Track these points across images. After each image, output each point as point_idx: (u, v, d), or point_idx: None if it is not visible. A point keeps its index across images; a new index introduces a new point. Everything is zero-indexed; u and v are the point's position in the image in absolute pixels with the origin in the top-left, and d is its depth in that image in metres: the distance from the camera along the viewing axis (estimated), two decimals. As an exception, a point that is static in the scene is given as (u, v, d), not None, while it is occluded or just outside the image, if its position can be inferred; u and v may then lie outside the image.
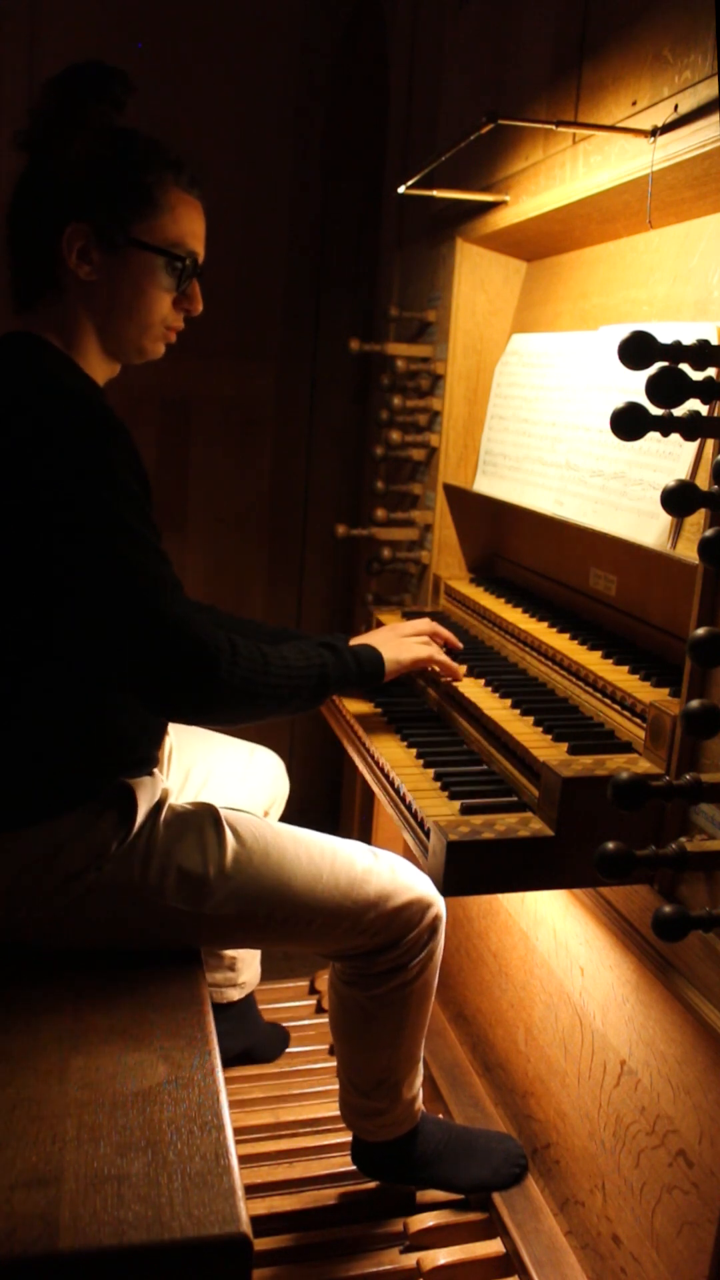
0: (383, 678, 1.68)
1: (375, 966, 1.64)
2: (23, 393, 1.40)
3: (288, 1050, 2.31)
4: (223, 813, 1.59)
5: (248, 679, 1.45)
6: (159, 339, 1.61)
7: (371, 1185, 1.91)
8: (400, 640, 1.72)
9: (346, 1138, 2.02)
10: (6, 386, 1.42)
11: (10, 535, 1.41)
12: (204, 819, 1.57)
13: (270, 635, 1.86)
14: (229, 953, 2.07)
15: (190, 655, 1.40)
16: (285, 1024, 2.37)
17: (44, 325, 1.53)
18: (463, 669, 1.73)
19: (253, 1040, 2.24)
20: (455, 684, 1.69)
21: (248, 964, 2.14)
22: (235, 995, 2.13)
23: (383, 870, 1.64)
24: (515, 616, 1.88)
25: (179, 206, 1.55)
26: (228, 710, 1.48)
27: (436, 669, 1.72)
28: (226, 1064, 2.21)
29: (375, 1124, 1.79)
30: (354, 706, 1.79)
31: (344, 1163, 1.93)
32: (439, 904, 1.68)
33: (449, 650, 1.79)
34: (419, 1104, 1.82)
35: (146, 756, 1.60)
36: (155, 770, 1.62)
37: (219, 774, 1.97)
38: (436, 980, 1.72)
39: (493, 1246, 1.79)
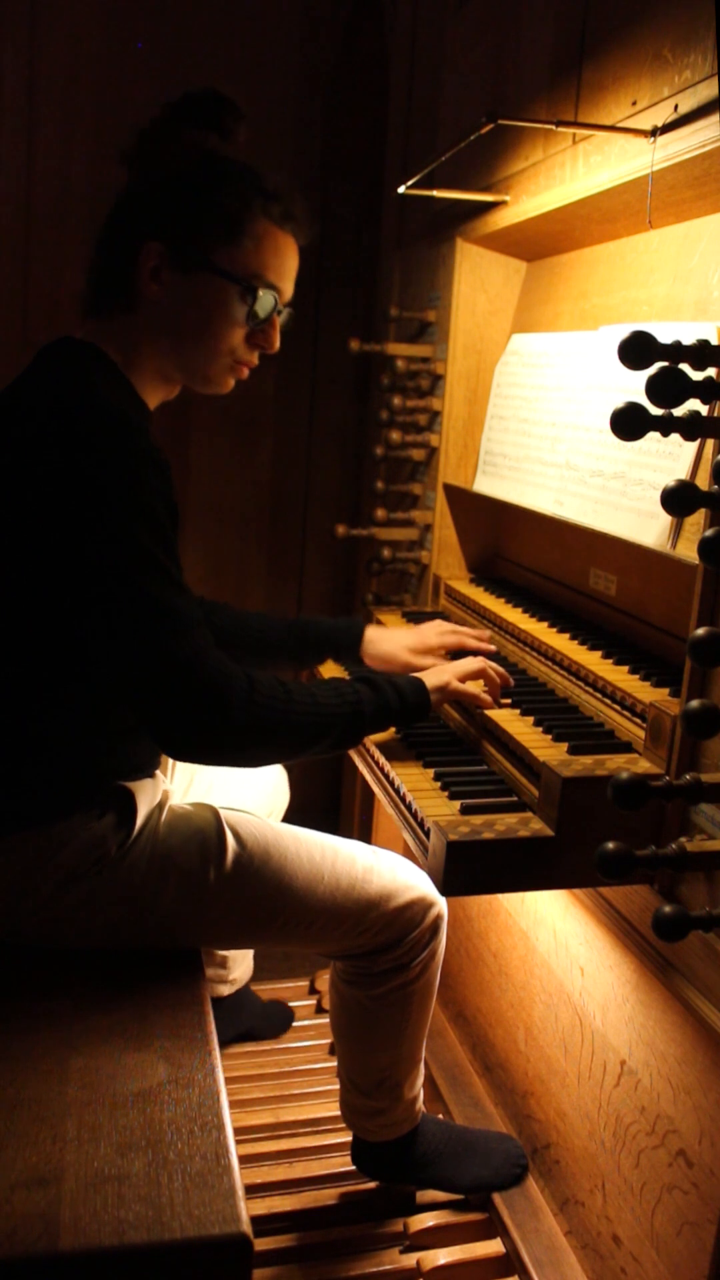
0: (428, 705, 1.58)
1: (377, 966, 1.64)
2: (65, 402, 1.38)
3: (288, 1050, 2.31)
4: (223, 814, 1.59)
5: (265, 716, 1.41)
6: (226, 371, 1.56)
7: (371, 1185, 1.91)
8: (441, 667, 1.64)
9: (346, 1138, 2.02)
10: (51, 393, 1.40)
11: (27, 543, 1.40)
12: (204, 820, 1.57)
13: (283, 628, 1.85)
14: (219, 951, 2.08)
15: (199, 692, 1.37)
16: (285, 1024, 2.38)
17: (106, 337, 1.51)
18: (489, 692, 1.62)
19: (248, 1025, 2.27)
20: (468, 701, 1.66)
21: (239, 961, 2.14)
22: (226, 991, 2.15)
23: (384, 870, 1.63)
24: (515, 616, 1.88)
25: (265, 238, 1.50)
26: (242, 750, 1.45)
27: (475, 704, 1.60)
28: (224, 1044, 2.22)
29: (376, 1124, 1.79)
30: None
31: (344, 1163, 1.93)
32: (440, 903, 1.67)
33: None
34: (420, 1104, 1.82)
35: (148, 761, 1.60)
36: (157, 772, 1.62)
37: (221, 782, 1.97)
38: (438, 980, 1.72)
39: (493, 1246, 1.79)
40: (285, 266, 1.54)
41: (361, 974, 1.67)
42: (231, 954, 2.11)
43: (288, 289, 1.56)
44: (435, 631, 1.80)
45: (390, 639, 1.82)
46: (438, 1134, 1.86)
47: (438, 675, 1.61)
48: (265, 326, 1.55)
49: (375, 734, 1.60)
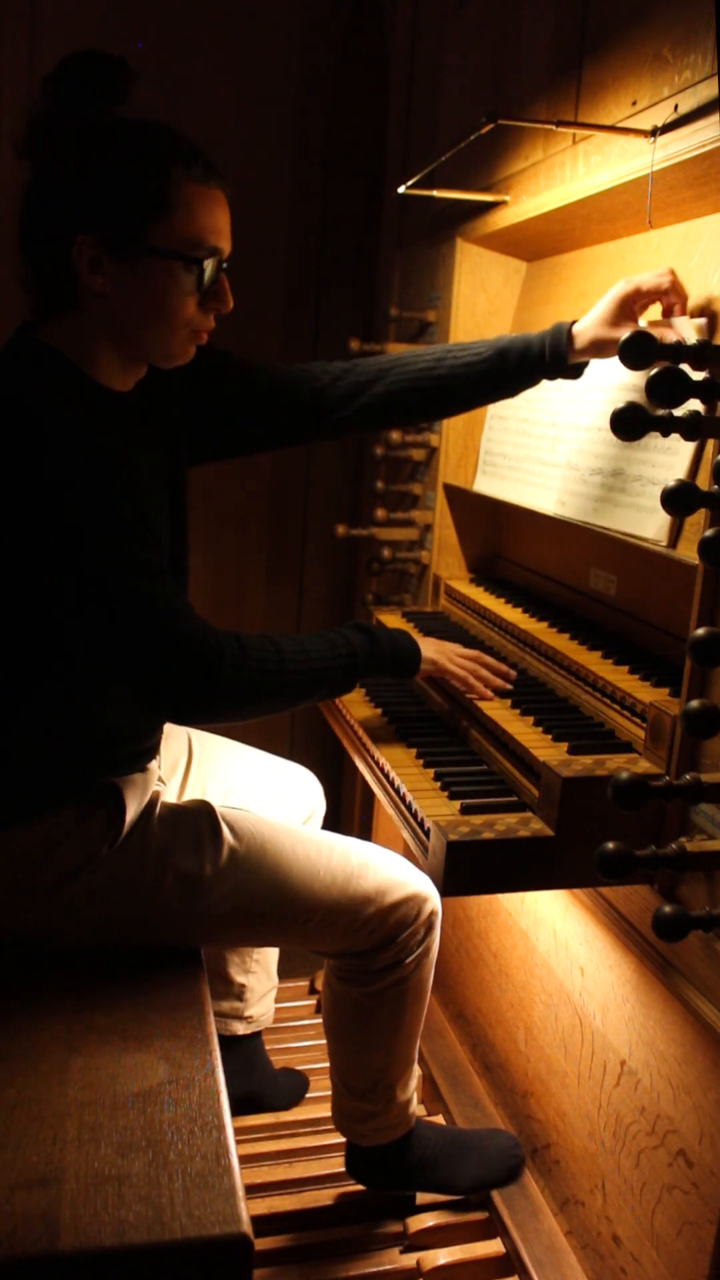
0: (416, 670, 1.62)
1: (374, 964, 1.64)
2: (11, 423, 1.36)
3: (288, 1050, 2.30)
4: (218, 810, 1.59)
5: (259, 675, 1.44)
6: (187, 342, 1.50)
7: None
8: (442, 644, 1.67)
9: (346, 1137, 2.01)
10: (6, 402, 1.39)
11: (2, 546, 1.41)
12: (199, 817, 1.57)
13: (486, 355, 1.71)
14: (238, 979, 2.01)
15: (189, 662, 1.40)
16: (284, 1024, 2.36)
17: (59, 337, 1.45)
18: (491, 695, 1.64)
19: (258, 1085, 2.12)
20: (455, 684, 1.68)
21: (258, 995, 2.05)
22: (241, 1029, 2.03)
23: (379, 865, 1.63)
24: (515, 616, 1.88)
25: (194, 202, 1.41)
26: (241, 708, 1.47)
27: (464, 687, 1.63)
28: (231, 1102, 2.15)
29: (369, 1128, 1.78)
30: (356, 709, 1.79)
31: (344, 1162, 1.93)
32: (435, 899, 1.67)
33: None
34: (414, 1107, 1.81)
35: (136, 751, 1.59)
36: (150, 765, 1.62)
37: (240, 790, 1.94)
38: (432, 977, 1.72)
39: (493, 1246, 1.79)
40: (219, 224, 1.46)
41: (358, 971, 1.66)
42: (250, 985, 2.02)
43: (226, 245, 1.48)
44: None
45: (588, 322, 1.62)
46: (433, 1138, 1.85)
47: (435, 649, 1.65)
48: (216, 289, 1.48)
49: (368, 677, 1.62)
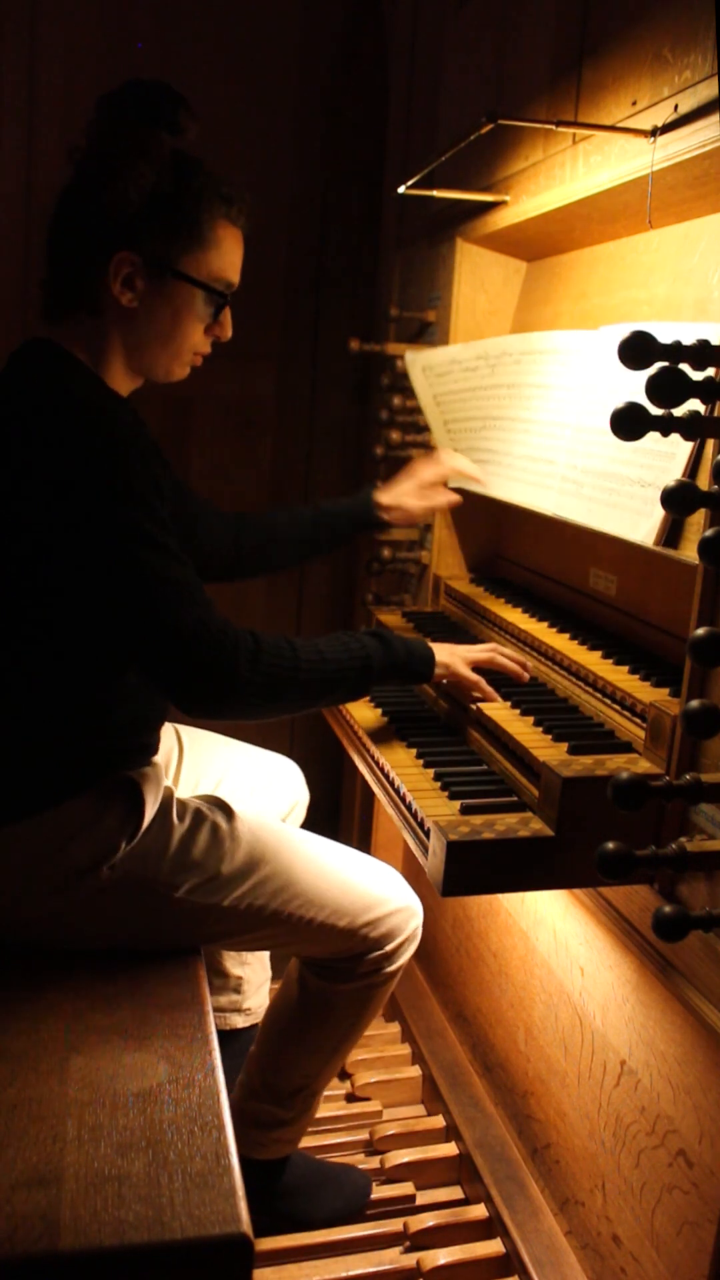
0: (431, 675, 1.63)
1: (358, 966, 1.67)
2: (43, 407, 1.41)
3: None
4: (236, 810, 1.62)
5: (273, 675, 1.46)
6: (186, 364, 1.62)
7: (371, 1185, 1.91)
8: (455, 648, 1.67)
9: (346, 1138, 2.03)
10: (29, 399, 1.43)
11: (17, 534, 1.42)
12: (218, 815, 1.60)
13: (310, 523, 1.99)
14: (234, 971, 2.01)
15: (206, 657, 1.41)
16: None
17: (71, 338, 1.53)
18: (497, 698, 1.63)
19: None
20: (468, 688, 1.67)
21: (255, 987, 2.04)
22: (240, 1022, 2.02)
23: (378, 877, 1.68)
24: (515, 616, 1.88)
25: (225, 240, 1.55)
26: (254, 707, 1.48)
27: (477, 692, 1.61)
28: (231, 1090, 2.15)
29: (270, 1137, 1.78)
30: (356, 709, 1.79)
31: (343, 1162, 1.93)
32: (420, 916, 1.71)
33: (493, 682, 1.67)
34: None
35: (144, 743, 1.61)
36: (155, 759, 1.63)
37: (230, 780, 1.96)
38: (391, 991, 1.74)
39: (493, 1246, 1.79)
40: (238, 261, 1.59)
41: (338, 970, 1.68)
42: (247, 976, 2.02)
43: (238, 279, 1.61)
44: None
45: (391, 493, 2.01)
46: (302, 1166, 1.85)
47: (449, 653, 1.64)
48: (221, 319, 1.61)
49: (381, 684, 1.64)
